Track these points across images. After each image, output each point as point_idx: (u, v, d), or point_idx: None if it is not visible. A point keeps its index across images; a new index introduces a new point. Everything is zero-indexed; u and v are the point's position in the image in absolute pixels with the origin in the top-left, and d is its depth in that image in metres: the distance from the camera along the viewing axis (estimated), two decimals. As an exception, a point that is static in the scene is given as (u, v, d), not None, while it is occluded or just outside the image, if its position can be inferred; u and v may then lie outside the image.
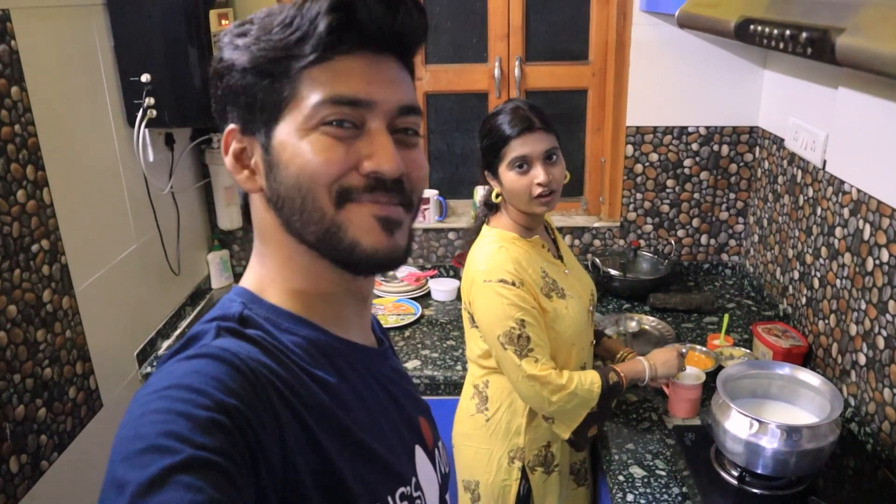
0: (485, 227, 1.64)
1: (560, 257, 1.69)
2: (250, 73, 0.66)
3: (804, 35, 0.82)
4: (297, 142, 0.66)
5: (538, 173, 1.50)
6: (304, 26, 0.65)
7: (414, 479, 0.75)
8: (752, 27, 1.01)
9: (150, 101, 1.95)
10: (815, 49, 0.82)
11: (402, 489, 0.72)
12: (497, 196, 1.59)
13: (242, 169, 0.70)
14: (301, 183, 0.66)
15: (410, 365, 2.09)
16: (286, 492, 0.60)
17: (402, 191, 0.68)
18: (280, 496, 0.59)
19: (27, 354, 1.54)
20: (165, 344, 2.20)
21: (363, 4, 0.65)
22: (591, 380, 1.52)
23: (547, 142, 1.51)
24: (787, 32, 0.86)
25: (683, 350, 1.67)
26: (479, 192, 2.48)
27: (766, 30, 0.94)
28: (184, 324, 2.34)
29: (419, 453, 0.79)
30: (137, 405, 0.57)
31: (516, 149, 1.50)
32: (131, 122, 1.97)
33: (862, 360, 1.67)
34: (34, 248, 1.57)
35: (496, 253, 1.54)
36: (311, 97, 0.65)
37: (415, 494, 0.74)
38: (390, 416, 0.76)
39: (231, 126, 0.70)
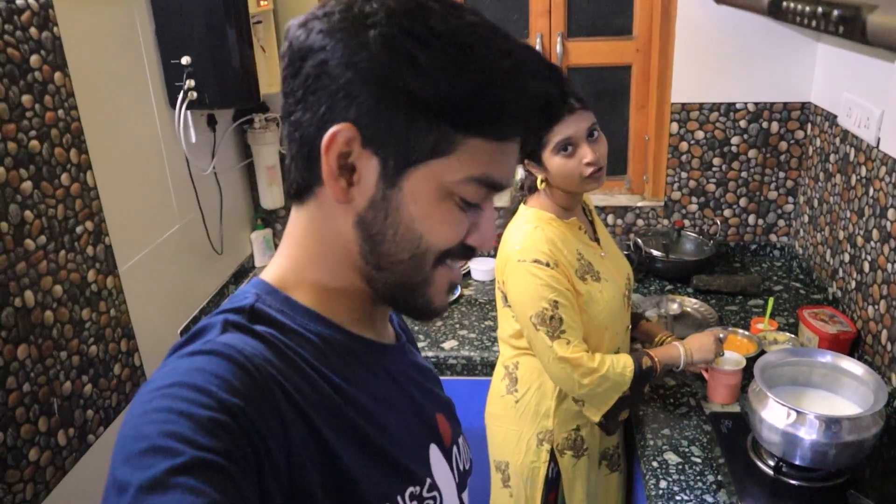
0: (522, 207, 1.62)
1: (597, 240, 1.66)
2: (418, 100, 0.60)
3: (836, 13, 0.77)
4: (433, 202, 0.63)
5: (585, 153, 1.47)
6: (522, 104, 0.62)
7: (429, 480, 0.73)
8: (784, 4, 0.96)
9: (190, 83, 1.97)
10: (846, 27, 0.77)
11: (411, 489, 0.70)
12: (542, 182, 1.57)
13: (340, 177, 0.63)
14: (418, 244, 0.65)
15: (447, 345, 2.09)
16: (292, 491, 0.59)
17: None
18: (286, 496, 0.58)
19: (73, 333, 1.60)
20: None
21: (561, 104, 0.65)
22: (623, 363, 1.50)
23: (587, 120, 1.48)
24: (819, 10, 0.82)
25: (721, 335, 1.62)
26: (520, 171, 2.45)
27: (799, 6, 0.90)
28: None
29: (434, 452, 0.78)
30: (139, 403, 0.56)
31: (560, 133, 1.46)
32: (173, 105, 2.00)
33: (912, 348, 1.60)
34: (78, 229, 1.62)
35: (532, 232, 1.52)
36: (466, 168, 0.63)
37: (427, 495, 0.72)
38: (404, 414, 0.75)
39: (347, 124, 0.61)
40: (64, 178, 1.57)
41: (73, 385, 1.59)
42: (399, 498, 0.68)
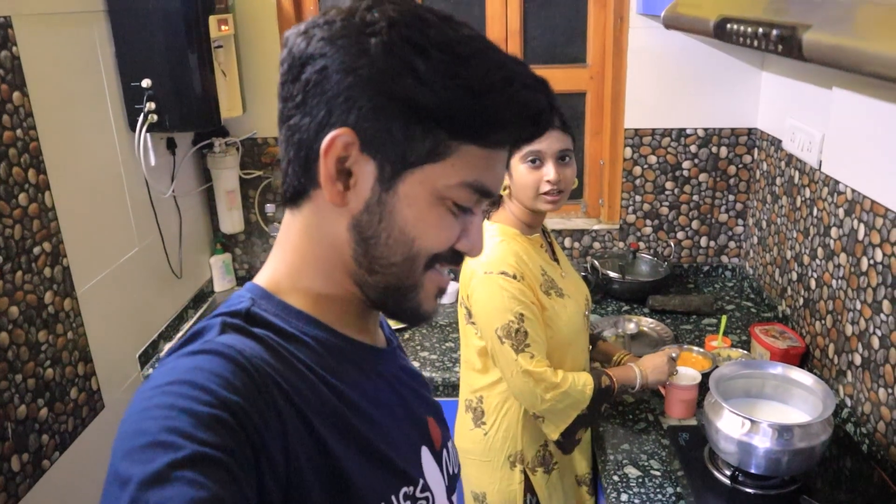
0: (486, 222, 1.64)
1: (556, 260, 1.69)
2: (417, 107, 0.62)
3: (774, 32, 0.83)
4: (426, 205, 0.66)
5: (549, 171, 1.50)
6: (514, 113, 0.64)
7: (422, 481, 0.75)
8: (728, 26, 1.02)
9: (150, 105, 1.97)
10: (784, 46, 0.83)
11: (405, 489, 0.71)
12: (505, 188, 1.59)
13: (337, 181, 0.65)
14: (411, 247, 0.67)
15: (409, 366, 2.10)
16: (289, 489, 0.60)
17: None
18: (283, 493, 0.59)
19: (29, 355, 1.57)
20: (168, 346, 2.22)
21: (549, 114, 0.67)
22: (583, 381, 1.52)
23: (562, 142, 1.51)
24: (760, 30, 0.88)
25: (674, 354, 1.66)
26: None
27: (741, 28, 0.96)
28: (186, 326, 2.36)
29: (425, 454, 0.79)
30: (140, 400, 0.57)
31: (532, 143, 1.49)
32: (133, 127, 2.00)
33: (857, 360, 1.67)
34: (36, 250, 1.60)
35: (498, 245, 1.54)
36: (460, 173, 0.65)
37: (420, 495, 0.73)
38: (397, 416, 0.76)
39: (346, 129, 0.63)
40: (21, 198, 1.55)
41: (27, 409, 1.55)
42: (393, 497, 0.69)
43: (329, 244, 0.69)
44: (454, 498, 0.85)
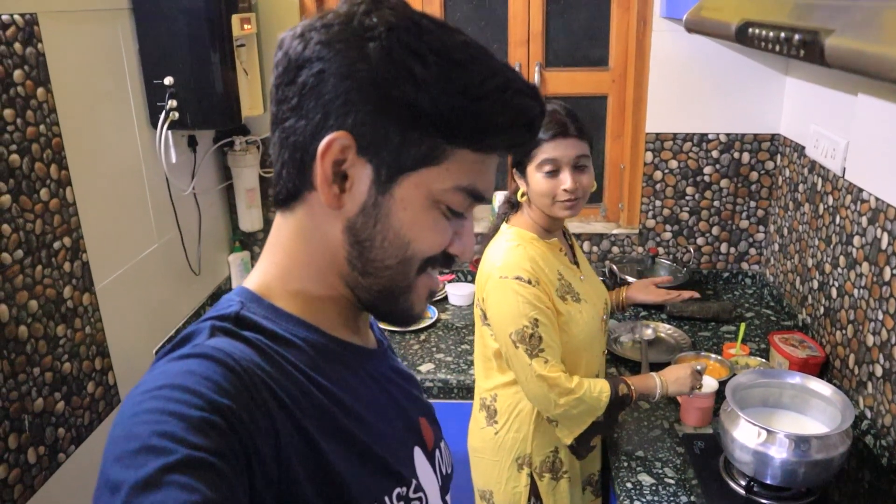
0: (504, 225, 1.63)
1: (576, 263, 1.68)
2: (414, 111, 0.62)
3: (796, 37, 0.82)
4: (421, 209, 0.66)
5: (566, 179, 1.50)
6: (508, 119, 0.65)
7: (415, 481, 0.75)
8: (750, 30, 1.01)
9: (172, 103, 1.98)
10: (806, 51, 0.82)
11: (398, 489, 0.71)
12: (522, 195, 1.59)
13: (333, 183, 0.65)
14: (406, 250, 0.67)
15: (424, 368, 2.10)
16: (281, 492, 0.60)
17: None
18: (275, 496, 0.59)
19: (47, 349, 1.58)
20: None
21: (541, 120, 0.69)
22: (600, 388, 1.51)
23: (578, 149, 1.50)
24: (782, 35, 0.86)
25: (699, 367, 1.62)
26: (499, 197, 2.48)
27: (764, 32, 0.94)
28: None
29: (418, 454, 0.79)
30: (130, 405, 0.57)
31: (547, 151, 1.49)
32: (154, 124, 2.02)
33: (878, 371, 1.64)
34: (56, 245, 1.61)
35: (513, 250, 1.54)
36: (455, 177, 0.66)
37: (413, 496, 0.73)
38: (389, 416, 0.76)
39: (344, 133, 0.63)
40: (43, 193, 1.57)
41: (45, 402, 1.57)
42: (386, 498, 0.69)
43: (322, 247, 0.69)
44: (448, 498, 0.85)
